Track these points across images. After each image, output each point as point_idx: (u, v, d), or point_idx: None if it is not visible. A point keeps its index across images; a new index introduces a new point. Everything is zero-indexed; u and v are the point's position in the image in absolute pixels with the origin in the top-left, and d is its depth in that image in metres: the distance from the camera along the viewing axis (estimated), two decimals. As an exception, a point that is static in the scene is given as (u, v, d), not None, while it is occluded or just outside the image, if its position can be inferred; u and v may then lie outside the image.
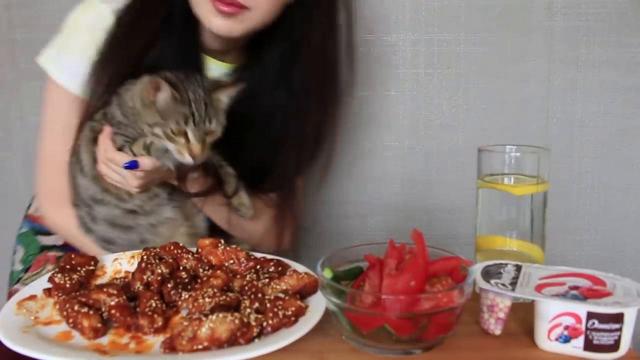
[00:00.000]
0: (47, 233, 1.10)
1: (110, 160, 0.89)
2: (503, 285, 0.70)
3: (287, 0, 1.00)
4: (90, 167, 0.96)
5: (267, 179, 1.06)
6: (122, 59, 0.95)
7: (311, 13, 1.02)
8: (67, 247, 1.08)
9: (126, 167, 0.87)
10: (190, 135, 0.86)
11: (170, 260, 0.83)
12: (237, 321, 0.67)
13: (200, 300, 0.73)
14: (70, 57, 0.99)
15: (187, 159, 0.86)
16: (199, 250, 0.87)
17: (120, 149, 0.89)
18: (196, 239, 0.90)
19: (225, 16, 0.91)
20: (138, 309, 0.74)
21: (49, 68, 1.00)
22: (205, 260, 0.85)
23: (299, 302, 0.73)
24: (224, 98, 0.91)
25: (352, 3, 1.09)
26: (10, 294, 1.07)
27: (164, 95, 0.85)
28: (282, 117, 1.04)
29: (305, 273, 0.79)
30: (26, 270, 1.09)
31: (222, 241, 0.87)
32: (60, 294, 0.78)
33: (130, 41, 0.96)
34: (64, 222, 1.02)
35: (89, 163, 0.96)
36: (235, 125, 1.00)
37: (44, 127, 1.03)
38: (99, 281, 0.85)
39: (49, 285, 0.80)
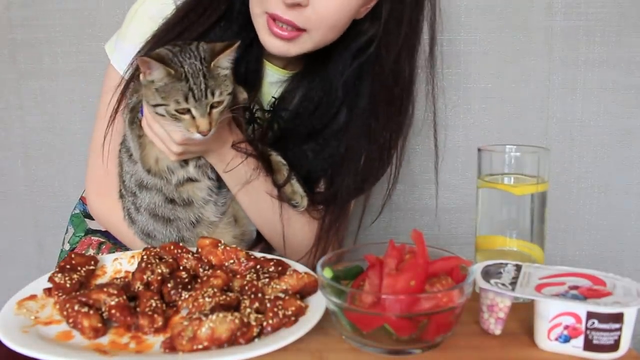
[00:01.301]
0: None
1: (151, 126, 0.86)
2: (503, 285, 0.70)
3: (355, 16, 0.92)
4: (135, 148, 0.93)
5: (320, 191, 1.01)
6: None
7: (387, 29, 0.94)
8: (110, 234, 1.08)
9: None
10: (193, 111, 0.81)
11: (170, 260, 0.83)
12: (237, 321, 0.68)
13: (200, 300, 0.73)
14: (128, 44, 0.96)
15: (197, 136, 0.83)
16: (199, 250, 0.87)
17: None
18: (245, 244, 0.88)
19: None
20: (138, 309, 0.74)
21: (110, 54, 0.99)
22: (205, 260, 0.85)
23: (299, 302, 0.73)
24: (225, 63, 0.84)
25: (437, 17, 0.99)
26: None
27: (158, 73, 0.81)
28: (343, 134, 0.99)
29: (305, 273, 0.79)
30: (72, 250, 1.09)
31: (222, 241, 0.87)
32: (60, 294, 0.78)
33: (184, 32, 0.92)
34: (109, 212, 1.01)
35: (133, 144, 0.93)
36: (295, 137, 0.97)
37: (99, 114, 1.00)
38: (99, 281, 0.85)
39: (49, 285, 0.80)
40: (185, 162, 0.92)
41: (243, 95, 0.92)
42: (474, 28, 1.37)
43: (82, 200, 1.15)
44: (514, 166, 0.84)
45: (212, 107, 0.83)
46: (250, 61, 0.96)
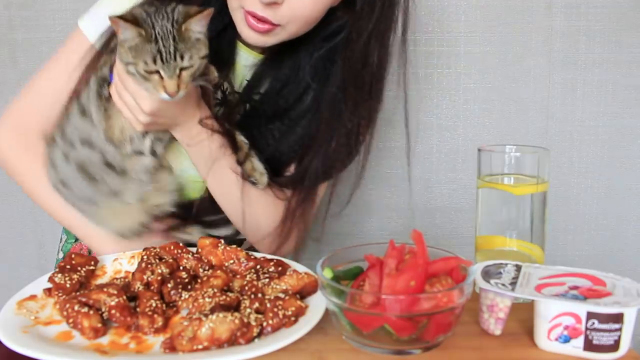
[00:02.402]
0: None
1: (123, 81, 0.86)
2: (503, 285, 0.70)
3: (331, 3, 0.94)
4: (100, 119, 0.92)
5: (287, 174, 1.02)
6: None
7: (359, 14, 0.96)
8: None
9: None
10: (162, 73, 0.82)
11: (171, 260, 0.83)
12: (237, 321, 0.68)
13: (200, 300, 0.73)
14: (99, 9, 0.97)
15: (164, 96, 0.83)
16: (199, 250, 0.87)
17: None
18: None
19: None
20: (138, 309, 0.74)
21: (81, 17, 0.99)
22: (205, 260, 0.85)
23: (299, 302, 0.73)
24: (196, 27, 0.84)
25: (410, 2, 1.00)
26: None
27: (129, 33, 0.82)
28: (312, 117, 1.00)
29: (305, 273, 0.79)
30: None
31: (222, 241, 0.87)
32: (60, 294, 0.78)
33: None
34: (19, 148, 0.99)
35: (97, 115, 0.93)
36: (261, 116, 0.97)
37: (50, 65, 1.00)
38: (99, 281, 0.85)
39: (49, 285, 0.80)
40: (145, 133, 0.92)
41: (214, 73, 0.92)
42: (474, 28, 1.37)
43: None
44: (514, 166, 0.84)
45: (181, 69, 0.83)
46: (224, 44, 0.97)
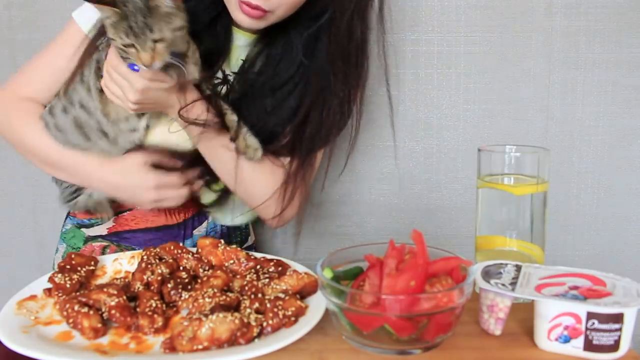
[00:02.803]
0: (91, 225, 1.11)
1: (114, 67, 0.91)
2: (503, 285, 0.70)
3: None
4: (94, 92, 0.98)
5: (284, 142, 1.07)
6: None
7: None
8: (111, 236, 1.09)
9: (130, 67, 0.89)
10: (136, 46, 0.87)
11: (170, 260, 0.84)
12: (237, 321, 0.68)
13: (200, 300, 0.73)
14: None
15: (142, 67, 0.88)
16: (199, 250, 0.87)
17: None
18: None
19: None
20: (138, 309, 0.74)
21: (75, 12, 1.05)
22: (205, 261, 0.85)
23: (299, 302, 0.73)
24: (165, 1, 0.88)
25: None
26: None
27: (105, 12, 0.87)
28: (304, 90, 1.06)
29: (305, 273, 0.79)
30: None
31: (222, 241, 0.88)
32: (60, 294, 0.78)
33: None
34: (13, 112, 1.05)
35: (94, 90, 0.98)
36: (255, 93, 1.03)
37: (46, 49, 1.06)
38: (99, 281, 0.85)
39: (49, 285, 0.80)
40: (142, 114, 0.99)
41: (195, 55, 0.97)
42: (474, 28, 1.37)
43: (72, 215, 1.15)
44: (513, 166, 0.84)
45: (155, 42, 0.87)
46: (220, 28, 1.05)
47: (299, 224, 1.22)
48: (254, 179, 1.04)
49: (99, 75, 0.97)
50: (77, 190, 1.06)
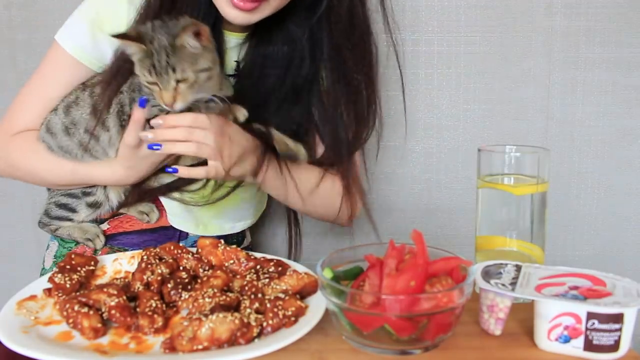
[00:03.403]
0: None
1: (175, 122, 0.89)
2: (503, 285, 0.70)
3: None
4: (115, 132, 0.97)
5: (324, 154, 1.07)
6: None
7: None
8: (107, 237, 1.07)
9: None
10: (158, 84, 0.86)
11: (170, 260, 0.83)
12: (237, 321, 0.68)
13: (200, 300, 0.73)
14: (72, 20, 1.01)
15: (164, 106, 0.87)
16: (199, 250, 0.87)
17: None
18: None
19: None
20: (138, 309, 0.74)
21: (58, 34, 1.03)
22: (205, 261, 0.85)
23: (299, 302, 0.73)
24: (190, 42, 0.86)
25: None
26: None
27: (131, 49, 0.87)
28: (318, 86, 1.04)
29: (305, 273, 0.79)
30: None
31: (222, 241, 0.87)
32: (60, 294, 0.78)
33: (146, 12, 0.95)
34: (9, 145, 1.03)
35: (115, 134, 0.97)
36: (267, 96, 1.01)
37: (32, 78, 1.04)
38: (99, 281, 0.85)
39: (49, 285, 0.80)
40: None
41: (242, 112, 0.97)
42: (474, 28, 1.37)
43: None
44: (513, 166, 0.84)
45: (178, 82, 0.86)
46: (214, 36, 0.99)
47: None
48: (324, 195, 1.06)
49: (121, 118, 0.95)
50: (67, 216, 1.05)
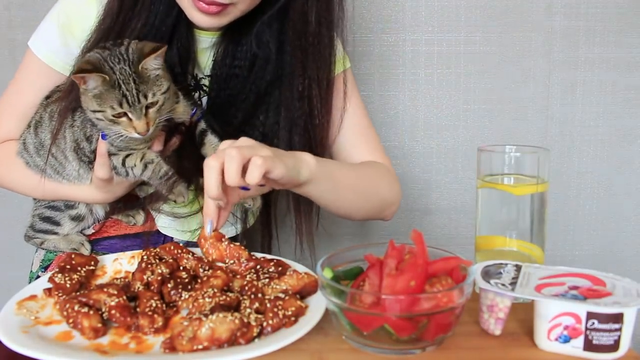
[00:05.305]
0: None
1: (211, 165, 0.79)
2: (503, 285, 0.70)
3: None
4: (80, 167, 0.97)
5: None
6: (102, 36, 0.93)
7: None
8: (91, 243, 1.07)
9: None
10: (130, 115, 0.84)
11: (170, 260, 0.83)
12: (237, 321, 0.68)
13: (200, 300, 0.73)
14: (43, 25, 1.01)
15: (136, 136, 0.86)
16: (201, 241, 0.86)
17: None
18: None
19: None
20: (138, 309, 0.74)
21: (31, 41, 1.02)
22: (206, 257, 0.84)
23: (299, 302, 0.73)
24: (154, 65, 0.86)
25: None
26: None
27: (93, 82, 0.84)
28: (282, 90, 1.01)
29: (305, 273, 0.79)
30: (45, 268, 1.09)
31: (226, 236, 0.87)
32: (60, 294, 0.78)
33: (112, 16, 0.94)
34: None
35: (76, 166, 0.97)
36: (239, 100, 1.00)
37: (9, 87, 1.04)
38: (99, 281, 0.85)
39: (49, 285, 0.80)
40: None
41: (180, 109, 0.94)
42: (474, 28, 1.37)
43: None
44: (513, 166, 0.84)
45: (147, 107, 0.85)
46: (182, 38, 0.98)
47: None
48: (370, 178, 1.06)
49: (79, 154, 0.95)
50: (52, 229, 1.05)
